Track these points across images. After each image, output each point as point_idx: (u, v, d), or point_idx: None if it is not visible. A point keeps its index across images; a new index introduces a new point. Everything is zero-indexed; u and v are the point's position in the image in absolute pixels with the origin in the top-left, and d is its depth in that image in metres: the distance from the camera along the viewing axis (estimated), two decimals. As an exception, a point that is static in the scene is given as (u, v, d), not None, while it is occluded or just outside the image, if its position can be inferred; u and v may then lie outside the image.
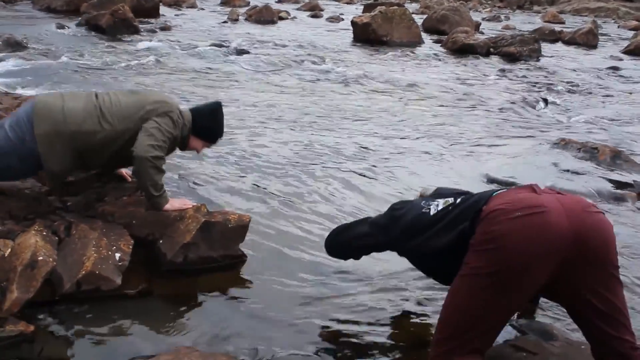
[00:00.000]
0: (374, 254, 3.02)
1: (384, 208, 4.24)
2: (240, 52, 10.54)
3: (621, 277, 2.32)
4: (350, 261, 3.20)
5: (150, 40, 10.66)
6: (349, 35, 13.77)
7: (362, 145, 5.78)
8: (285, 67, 9.71)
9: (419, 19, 15.60)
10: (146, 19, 12.97)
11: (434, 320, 2.86)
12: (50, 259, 2.71)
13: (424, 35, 14.30)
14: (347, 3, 26.43)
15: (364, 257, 3.07)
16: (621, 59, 13.15)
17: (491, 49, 12.70)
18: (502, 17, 22.77)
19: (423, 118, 7.10)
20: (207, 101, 3.94)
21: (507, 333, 2.79)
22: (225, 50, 10.59)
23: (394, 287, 3.28)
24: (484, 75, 10.44)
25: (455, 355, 2.22)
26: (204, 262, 3.27)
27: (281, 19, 16.51)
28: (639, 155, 6.00)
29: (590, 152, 5.89)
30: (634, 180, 5.23)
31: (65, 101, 3.31)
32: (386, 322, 2.95)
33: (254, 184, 4.52)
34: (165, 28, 12.53)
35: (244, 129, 5.93)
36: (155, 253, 3.29)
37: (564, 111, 7.96)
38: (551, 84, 9.88)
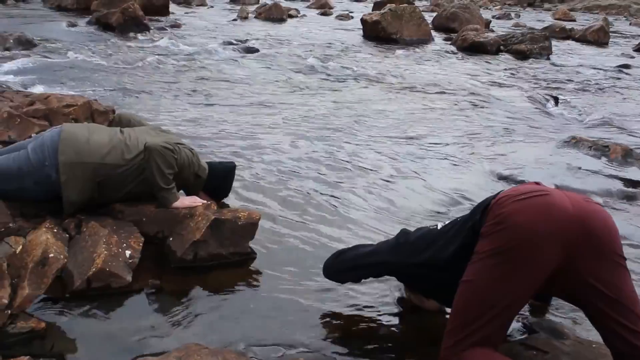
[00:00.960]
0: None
1: (397, 211, 4.30)
2: (250, 50, 10.55)
3: (632, 278, 2.32)
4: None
5: (161, 39, 10.67)
6: (359, 33, 13.76)
7: (375, 146, 5.77)
8: (295, 65, 9.71)
9: (429, 17, 15.56)
10: (156, 17, 13.00)
11: (443, 316, 2.86)
12: (61, 256, 2.72)
13: (434, 33, 14.27)
14: (357, 1, 26.39)
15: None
16: (632, 57, 13.07)
17: (501, 47, 12.66)
18: (513, 14, 22.67)
19: (433, 116, 7.08)
20: (223, 161, 4.03)
21: (518, 332, 2.78)
22: (235, 49, 10.60)
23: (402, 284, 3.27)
24: (495, 73, 10.41)
25: (465, 346, 2.22)
26: (213, 259, 3.28)
27: (291, 17, 16.51)
28: (651, 154, 5.96)
29: (602, 150, 5.86)
30: (645, 179, 5.20)
31: (91, 133, 3.40)
32: (397, 320, 2.94)
33: (265, 183, 4.53)
34: (175, 26, 12.56)
35: (254, 128, 5.93)
36: (165, 250, 3.31)
37: (575, 109, 7.92)
38: (562, 82, 9.83)
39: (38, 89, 6.37)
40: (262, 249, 3.49)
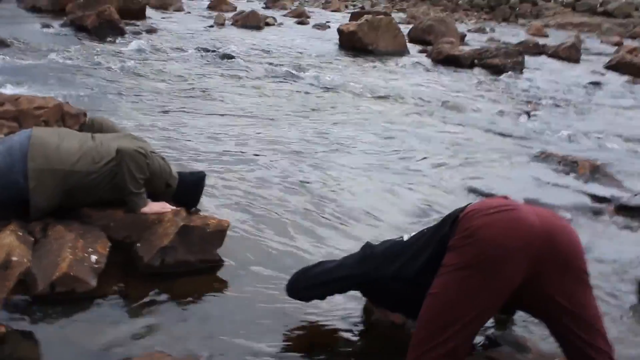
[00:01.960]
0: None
1: (365, 221, 4.31)
2: (225, 56, 10.53)
3: (596, 292, 2.36)
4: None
5: (136, 43, 10.60)
6: (335, 42, 13.81)
7: (345, 156, 5.78)
8: (269, 72, 9.72)
9: (405, 29, 15.67)
10: (132, 21, 12.91)
11: (409, 329, 2.88)
12: (25, 260, 2.69)
13: (409, 45, 14.37)
14: (334, 11, 26.50)
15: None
16: (603, 74, 13.28)
17: (475, 61, 12.78)
18: (488, 29, 22.91)
19: (404, 127, 7.12)
20: (193, 170, 4.05)
21: (481, 345, 2.80)
22: (210, 55, 10.57)
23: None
24: (468, 86, 10.51)
25: (430, 358, 2.22)
26: (181, 265, 3.26)
27: (268, 24, 16.51)
28: (618, 170, 6.05)
29: (570, 165, 5.94)
30: (611, 195, 5.27)
31: (62, 139, 3.34)
32: (363, 331, 2.95)
33: (235, 191, 4.51)
34: (151, 31, 12.48)
35: (226, 136, 5.92)
36: (133, 256, 3.28)
37: (546, 124, 8.02)
38: (534, 97, 9.96)
39: (8, 90, 6.29)
40: (231, 256, 3.47)
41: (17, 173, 3.18)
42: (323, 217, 4.30)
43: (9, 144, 3.28)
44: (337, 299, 3.14)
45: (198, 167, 4.71)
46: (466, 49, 13.60)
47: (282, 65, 10.39)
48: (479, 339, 2.80)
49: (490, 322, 2.95)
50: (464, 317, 2.23)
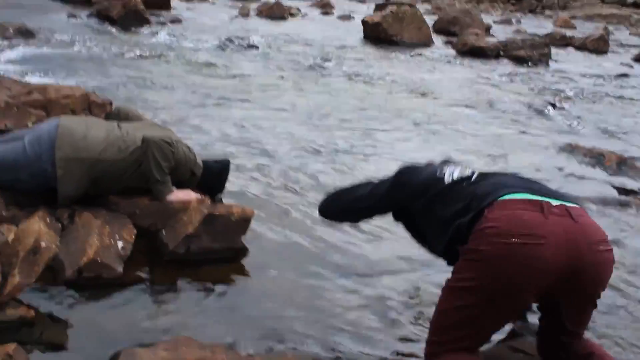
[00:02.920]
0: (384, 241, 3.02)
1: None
2: (250, 47, 10.54)
3: (625, 288, 2.36)
4: (350, 256, 3.20)
5: (161, 33, 10.66)
6: (360, 33, 13.75)
7: (372, 146, 5.77)
8: (294, 63, 9.71)
9: (430, 20, 15.56)
10: (157, 11, 12.96)
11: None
12: (53, 246, 2.72)
13: (434, 36, 14.26)
14: (359, 2, 26.39)
15: (364, 251, 3.07)
16: (632, 66, 13.09)
17: (501, 52, 12.65)
18: (514, 20, 22.65)
19: (430, 119, 7.08)
20: (218, 158, 4.06)
21: (504, 334, 2.80)
22: (234, 45, 10.59)
23: (391, 282, 3.29)
24: (493, 78, 10.41)
25: (447, 351, 2.23)
26: (205, 253, 3.29)
27: (292, 15, 16.48)
28: (646, 163, 5.98)
29: (597, 158, 5.88)
30: (639, 187, 5.22)
31: (89, 128, 3.38)
32: (384, 317, 2.96)
33: (260, 180, 4.54)
34: (175, 21, 12.53)
35: (251, 125, 5.94)
36: (158, 243, 3.32)
37: (572, 116, 7.93)
38: (560, 89, 9.84)
39: (36, 79, 6.37)
40: (255, 245, 3.50)
41: (45, 162, 3.23)
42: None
43: (38, 133, 3.33)
44: (367, 290, 3.16)
45: (222, 155, 4.73)
46: (492, 40, 13.47)
47: (306, 56, 10.38)
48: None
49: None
50: (475, 327, 2.22)
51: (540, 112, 8.07)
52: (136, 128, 3.56)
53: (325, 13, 18.47)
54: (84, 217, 3.18)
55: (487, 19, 19.29)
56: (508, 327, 2.82)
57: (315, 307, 2.97)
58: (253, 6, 16.59)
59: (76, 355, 2.46)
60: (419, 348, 2.50)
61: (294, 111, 6.72)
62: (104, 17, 11.29)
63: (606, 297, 2.59)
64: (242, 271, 3.26)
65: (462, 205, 2.32)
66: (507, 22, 22.04)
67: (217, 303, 2.92)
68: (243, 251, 3.41)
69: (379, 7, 17.59)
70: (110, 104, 4.83)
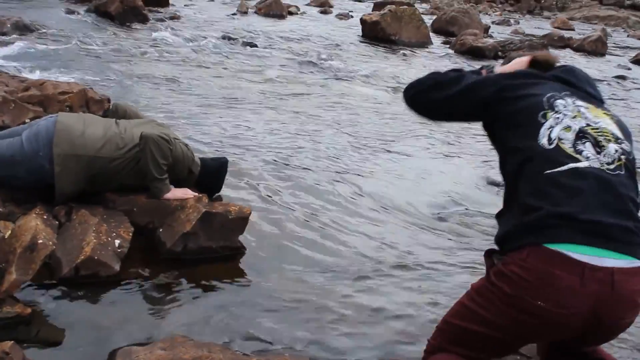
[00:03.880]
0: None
1: (391, 211, 4.30)
2: (248, 44, 10.53)
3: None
4: (348, 256, 3.20)
5: (159, 30, 10.64)
6: (358, 32, 13.75)
7: (368, 145, 5.78)
8: (292, 61, 9.70)
9: (428, 20, 15.56)
10: (155, 8, 12.93)
11: (429, 320, 2.88)
12: (50, 243, 2.71)
13: (432, 36, 14.26)
14: (357, 0, 26.37)
15: (363, 251, 3.05)
16: (629, 68, 13.10)
17: (499, 53, 12.66)
18: (512, 21, 22.67)
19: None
20: (215, 156, 4.08)
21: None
22: (233, 43, 10.58)
23: (390, 283, 3.29)
24: (491, 78, 10.40)
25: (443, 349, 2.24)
26: (202, 252, 3.29)
27: (291, 13, 16.46)
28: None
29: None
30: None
31: (87, 125, 3.38)
32: (382, 317, 2.95)
33: (257, 178, 4.53)
34: (174, 18, 12.50)
35: (249, 123, 5.93)
36: (155, 241, 3.31)
37: (570, 118, 7.93)
38: (558, 90, 9.84)
39: (34, 75, 6.35)
40: (252, 243, 3.50)
41: (43, 158, 3.22)
42: (347, 205, 4.30)
43: (36, 129, 3.32)
44: (364, 291, 3.15)
45: (220, 153, 4.73)
46: (490, 41, 13.48)
47: (305, 54, 10.37)
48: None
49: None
50: (482, 347, 2.20)
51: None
52: (134, 125, 3.56)
53: (324, 11, 18.45)
54: (81, 214, 3.17)
55: (485, 19, 19.32)
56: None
57: (312, 306, 2.97)
58: (251, 4, 16.57)
59: (73, 353, 2.45)
60: (418, 348, 2.49)
61: (293, 110, 6.71)
62: (102, 13, 11.26)
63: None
64: (240, 270, 3.26)
65: (544, 203, 2.05)
66: (506, 22, 22.06)
67: (214, 302, 2.92)
68: (240, 250, 3.41)
69: (377, 6, 17.59)
70: (108, 100, 4.82)
